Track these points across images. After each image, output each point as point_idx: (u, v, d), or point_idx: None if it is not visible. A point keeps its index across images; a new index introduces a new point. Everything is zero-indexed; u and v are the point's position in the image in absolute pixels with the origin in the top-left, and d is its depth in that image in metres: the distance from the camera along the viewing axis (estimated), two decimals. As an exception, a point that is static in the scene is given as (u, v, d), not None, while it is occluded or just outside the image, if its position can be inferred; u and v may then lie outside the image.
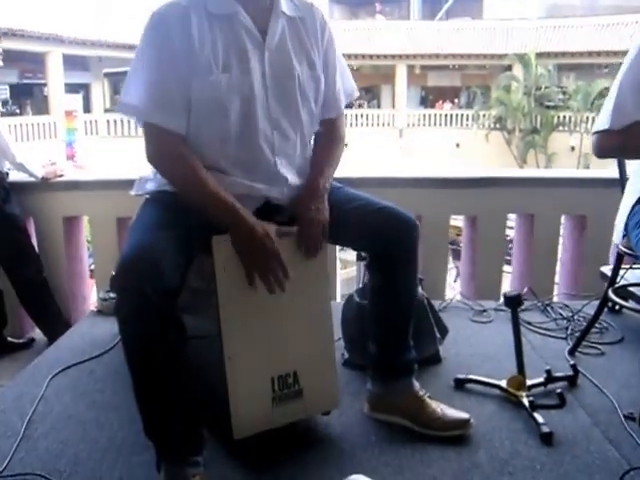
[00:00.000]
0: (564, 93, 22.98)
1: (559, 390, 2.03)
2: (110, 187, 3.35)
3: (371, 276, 1.94)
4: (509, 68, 23.00)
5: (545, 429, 1.95)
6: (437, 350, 2.40)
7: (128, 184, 3.29)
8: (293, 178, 1.82)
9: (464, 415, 1.96)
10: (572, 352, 2.59)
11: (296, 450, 1.87)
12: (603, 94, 21.27)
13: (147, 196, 1.82)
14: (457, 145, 23.29)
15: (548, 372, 2.25)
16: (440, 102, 25.41)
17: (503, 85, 22.41)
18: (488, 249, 3.50)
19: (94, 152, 17.67)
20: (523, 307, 3.01)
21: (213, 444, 1.79)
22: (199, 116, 1.68)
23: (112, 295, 2.95)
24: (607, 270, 2.87)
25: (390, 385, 1.97)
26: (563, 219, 3.62)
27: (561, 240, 3.66)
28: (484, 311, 3.07)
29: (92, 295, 3.55)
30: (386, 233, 1.81)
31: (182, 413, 1.61)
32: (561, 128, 22.31)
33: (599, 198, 3.26)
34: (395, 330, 1.95)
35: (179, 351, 1.57)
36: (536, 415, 2.01)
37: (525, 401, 2.09)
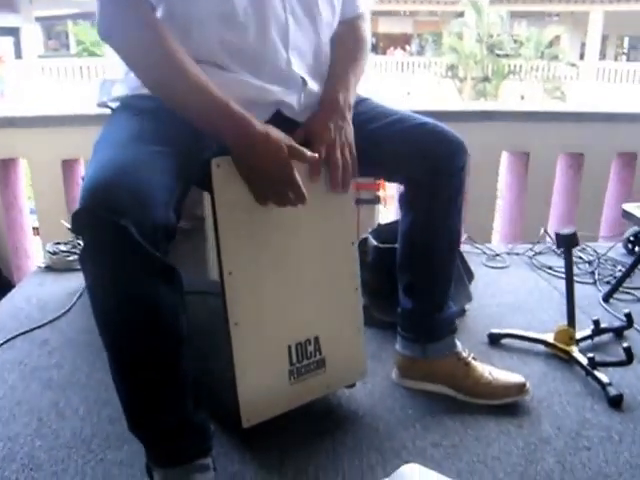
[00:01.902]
0: (515, 41, 22.82)
1: (626, 344, 1.67)
2: (52, 124, 2.82)
3: (407, 212, 1.54)
4: (461, 15, 22.63)
5: (613, 391, 1.60)
6: (470, 300, 2.02)
7: (74, 120, 2.89)
8: (311, 82, 1.37)
9: (519, 378, 1.60)
10: (607, 299, 2.27)
11: (319, 435, 1.47)
12: (553, 42, 21.29)
13: (116, 104, 1.36)
14: (408, 93, 22.92)
15: (596, 323, 1.91)
16: (391, 49, 24.88)
17: (455, 32, 22.04)
18: (481, 189, 3.14)
19: (27, 100, 16.55)
20: (538, 250, 2.70)
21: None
22: None
23: (63, 248, 2.47)
24: (632, 208, 2.54)
25: (428, 346, 1.59)
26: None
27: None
28: (497, 255, 2.71)
29: (37, 251, 3.03)
30: (431, 155, 1.41)
31: (181, 399, 1.17)
32: (512, 76, 22.17)
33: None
34: (437, 278, 1.56)
35: (174, 314, 1.13)
36: (599, 374, 1.66)
37: (581, 357, 1.74)
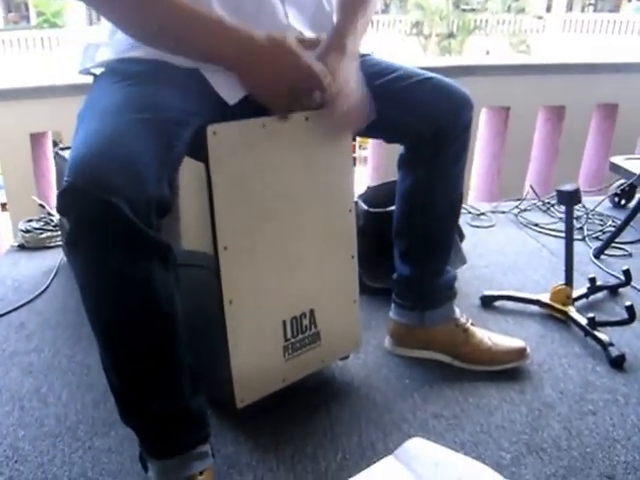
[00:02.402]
0: (481, -6, 22.59)
1: (628, 302, 1.63)
2: (18, 96, 2.66)
3: (406, 174, 1.46)
4: (426, -31, 22.26)
5: (615, 352, 1.57)
6: (464, 263, 1.96)
7: (41, 92, 2.73)
8: (309, 35, 1.25)
9: (519, 343, 1.55)
10: (598, 255, 2.23)
11: (315, 411, 1.41)
12: (520, -5, 21.13)
13: (100, 71, 1.24)
14: (372, 52, 22.62)
15: (592, 280, 1.86)
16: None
17: (421, -12, 21.70)
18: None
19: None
20: (523, 207, 2.65)
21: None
22: None
23: (36, 225, 2.35)
24: (620, 160, 2.50)
25: (426, 314, 1.53)
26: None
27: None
28: (482, 214, 2.65)
29: (6, 228, 2.90)
30: (436, 112, 1.33)
31: (177, 385, 1.09)
32: (478, 32, 21.98)
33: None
34: (437, 243, 1.49)
35: (169, 296, 1.03)
36: (599, 335, 1.62)
37: (579, 318, 1.69)
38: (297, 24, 1.23)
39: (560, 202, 1.77)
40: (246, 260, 1.22)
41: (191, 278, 1.28)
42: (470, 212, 2.65)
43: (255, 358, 1.30)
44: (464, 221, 2.57)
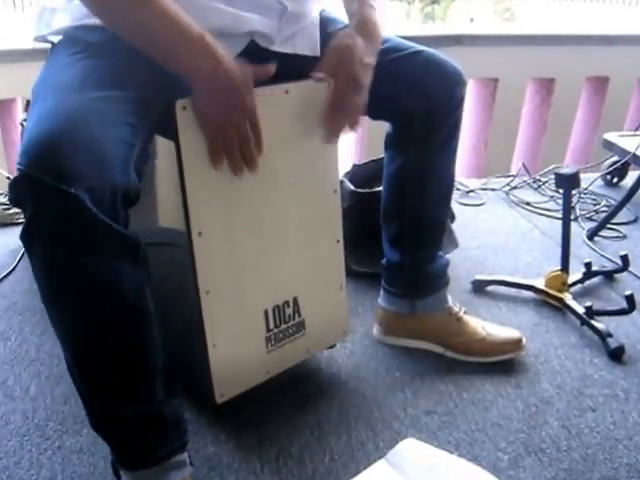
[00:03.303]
0: (465, -39, 22.34)
1: (629, 292, 1.55)
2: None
3: (395, 154, 1.35)
4: None
5: (613, 343, 1.50)
6: (456, 246, 1.88)
7: (8, 56, 2.50)
8: (293, 5, 1.14)
9: (514, 334, 1.47)
10: (591, 237, 2.15)
11: (301, 407, 1.32)
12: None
13: (57, 39, 1.11)
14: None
15: (588, 265, 1.79)
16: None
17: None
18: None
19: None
20: (514, 185, 2.57)
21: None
22: None
23: (2, 200, 2.22)
24: (614, 137, 2.42)
25: (417, 302, 1.44)
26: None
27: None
28: (471, 191, 2.56)
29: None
30: (426, 89, 1.22)
31: (150, 388, 0.99)
32: (462, -2, 21.76)
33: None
34: (429, 227, 1.40)
35: (139, 294, 0.93)
36: (597, 324, 1.55)
37: (575, 306, 1.62)
38: None
39: (558, 186, 1.68)
40: (223, 247, 1.12)
41: (167, 259, 1.19)
42: (459, 189, 2.56)
43: (235, 350, 1.21)
44: (453, 199, 2.49)
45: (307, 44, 1.16)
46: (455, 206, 2.39)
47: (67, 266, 0.84)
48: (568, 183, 1.61)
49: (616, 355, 1.48)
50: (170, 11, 0.92)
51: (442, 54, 1.25)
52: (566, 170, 1.61)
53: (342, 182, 1.76)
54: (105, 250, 0.85)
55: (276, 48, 1.14)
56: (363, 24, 1.13)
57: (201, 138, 1.02)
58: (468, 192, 2.57)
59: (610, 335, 1.51)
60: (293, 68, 1.07)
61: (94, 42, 1.00)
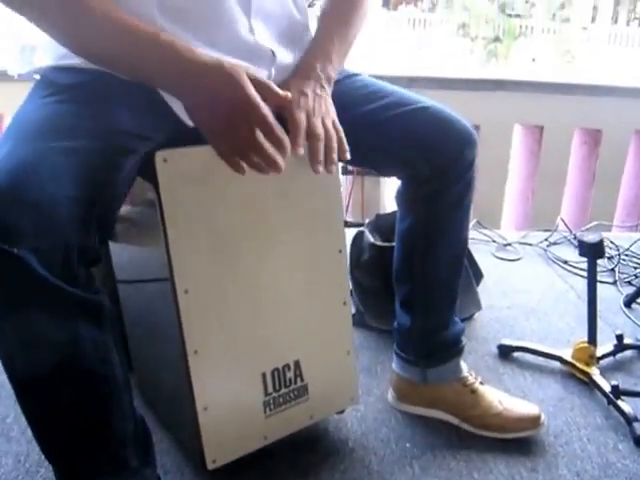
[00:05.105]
0: (527, 1, 22.31)
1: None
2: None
3: (405, 213, 1.29)
4: (474, -28, 22.02)
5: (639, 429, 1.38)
6: (479, 309, 1.80)
7: None
8: (283, 53, 1.10)
9: (533, 410, 1.38)
10: (629, 304, 2.04)
11: (301, 476, 1.25)
12: (565, 5, 20.77)
13: (37, 77, 1.07)
14: (419, 48, 22.49)
15: (619, 338, 1.69)
16: (403, 4, 24.25)
17: (467, -10, 21.47)
18: (491, 165, 2.89)
19: None
20: (553, 241, 2.47)
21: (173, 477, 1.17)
22: None
23: None
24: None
25: (429, 371, 1.37)
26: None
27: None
28: (508, 245, 2.47)
29: None
30: (435, 149, 1.16)
31: (118, 459, 0.93)
32: (523, 38, 21.69)
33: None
34: (440, 292, 1.33)
35: (103, 358, 0.88)
36: (623, 406, 1.44)
37: (602, 382, 1.52)
38: (265, 40, 1.07)
39: (582, 254, 1.57)
40: (212, 305, 1.07)
41: (150, 296, 1.14)
42: (495, 241, 2.47)
43: (229, 413, 1.15)
44: (488, 251, 2.42)
45: None
46: (490, 260, 2.33)
47: (13, 328, 0.80)
48: (592, 252, 1.51)
49: (642, 442, 1.37)
50: (125, 21, 0.87)
51: (451, 110, 1.19)
52: (590, 238, 1.51)
53: (362, 233, 1.71)
54: (56, 312, 0.81)
55: None
56: (306, 71, 1.07)
57: (184, 189, 0.98)
58: (505, 245, 2.47)
59: (637, 420, 1.40)
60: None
61: (69, 84, 0.96)
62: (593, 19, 21.32)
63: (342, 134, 1.04)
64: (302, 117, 0.98)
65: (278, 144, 0.91)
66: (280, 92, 0.93)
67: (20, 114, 0.96)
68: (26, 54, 1.10)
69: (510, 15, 21.70)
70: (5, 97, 2.44)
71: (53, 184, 0.80)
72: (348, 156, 1.03)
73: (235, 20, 1.02)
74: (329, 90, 1.08)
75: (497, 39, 21.60)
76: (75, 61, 0.95)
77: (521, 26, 21.62)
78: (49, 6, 0.87)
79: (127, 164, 0.91)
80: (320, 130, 0.99)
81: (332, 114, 1.05)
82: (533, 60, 21.41)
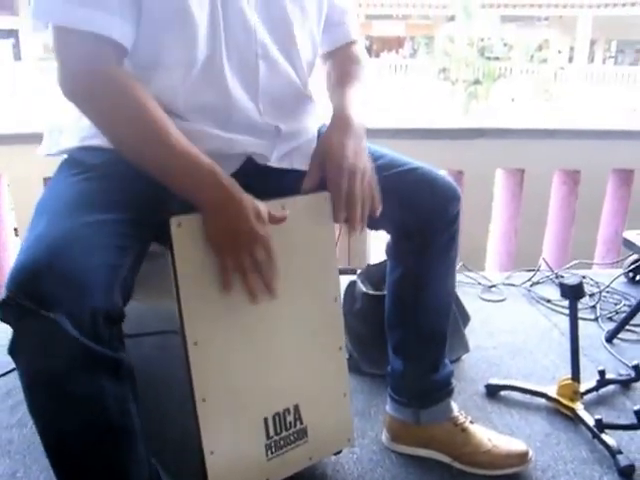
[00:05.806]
0: (505, 45, 22.91)
1: (638, 407, 1.53)
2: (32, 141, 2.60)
3: (395, 265, 1.39)
4: (453, 18, 22.63)
5: (623, 461, 1.46)
6: (467, 351, 1.88)
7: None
8: (287, 126, 1.22)
9: (521, 447, 1.45)
10: (610, 339, 2.12)
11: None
12: (543, 46, 21.38)
13: (63, 157, 1.20)
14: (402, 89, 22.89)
15: (601, 373, 1.77)
16: (385, 52, 24.80)
17: (447, 35, 22.04)
18: (475, 209, 3.00)
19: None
20: (535, 280, 2.56)
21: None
22: (157, 28, 1.04)
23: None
24: (633, 236, 2.41)
25: (421, 412, 1.44)
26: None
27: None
28: (493, 286, 2.56)
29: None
30: (422, 205, 1.27)
31: None
32: (503, 79, 22.22)
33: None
34: (429, 338, 1.41)
35: (123, 411, 0.97)
36: (607, 439, 1.52)
37: (587, 417, 1.59)
38: (271, 118, 1.19)
39: (563, 296, 1.67)
40: (219, 356, 1.15)
41: (157, 348, 1.21)
42: (480, 283, 2.57)
43: (234, 457, 1.22)
44: (475, 294, 2.50)
45: (305, 159, 1.20)
46: (476, 302, 2.41)
47: (46, 381, 0.89)
48: (572, 294, 1.61)
49: (626, 474, 1.44)
50: (187, 148, 1.00)
51: (437, 170, 1.30)
52: (570, 280, 1.61)
53: (355, 283, 1.80)
54: (84, 368, 0.90)
55: (273, 164, 1.21)
56: (343, 122, 1.18)
57: (197, 253, 1.07)
58: (490, 287, 2.56)
59: (620, 452, 1.47)
60: (290, 183, 1.14)
61: (94, 164, 1.07)
62: (570, 59, 21.95)
63: (376, 192, 1.16)
64: (344, 184, 1.11)
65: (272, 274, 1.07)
66: (277, 214, 1.06)
67: (52, 191, 1.07)
68: (54, 136, 1.20)
69: (489, 58, 22.24)
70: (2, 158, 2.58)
71: (84, 256, 0.91)
72: (378, 213, 1.16)
73: (244, 106, 1.15)
74: (363, 136, 1.20)
75: (477, 81, 22.09)
76: (99, 142, 1.07)
77: (500, 68, 22.15)
78: (121, 120, 1.01)
79: (148, 229, 1.02)
80: (359, 197, 1.12)
81: (370, 168, 1.17)
82: (512, 100, 21.89)
